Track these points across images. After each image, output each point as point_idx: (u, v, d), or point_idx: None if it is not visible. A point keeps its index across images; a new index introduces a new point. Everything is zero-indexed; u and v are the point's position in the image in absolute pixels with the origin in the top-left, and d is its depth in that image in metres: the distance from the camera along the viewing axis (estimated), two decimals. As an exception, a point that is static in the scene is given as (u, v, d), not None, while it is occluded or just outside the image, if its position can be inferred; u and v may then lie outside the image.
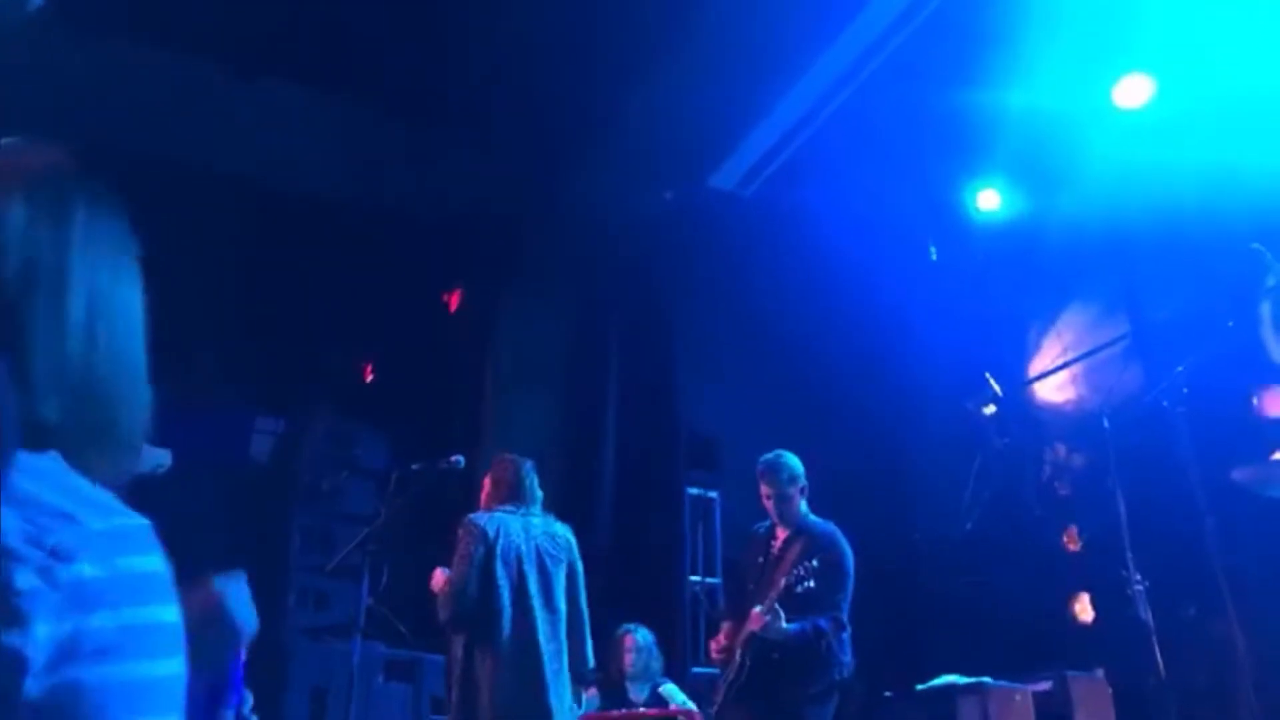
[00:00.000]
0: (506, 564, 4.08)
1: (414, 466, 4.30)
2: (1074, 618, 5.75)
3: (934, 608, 6.44)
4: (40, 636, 0.71)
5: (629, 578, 6.74)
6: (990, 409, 6.63)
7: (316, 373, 7.51)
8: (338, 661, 4.48)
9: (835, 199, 6.52)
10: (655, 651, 5.61)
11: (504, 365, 7.59)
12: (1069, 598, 5.81)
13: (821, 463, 6.52)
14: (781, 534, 4.36)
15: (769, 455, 4.43)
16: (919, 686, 4.80)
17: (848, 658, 4.09)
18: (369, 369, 8.14)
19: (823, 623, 3.99)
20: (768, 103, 6.18)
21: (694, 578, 6.74)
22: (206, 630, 1.17)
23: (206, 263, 6.48)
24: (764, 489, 4.36)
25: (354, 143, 6.92)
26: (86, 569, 0.74)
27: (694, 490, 6.93)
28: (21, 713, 0.70)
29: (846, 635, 4.10)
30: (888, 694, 4.99)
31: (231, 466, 6.08)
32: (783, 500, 4.30)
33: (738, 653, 4.10)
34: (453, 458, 4.35)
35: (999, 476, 6.47)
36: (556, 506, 7.41)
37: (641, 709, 5.29)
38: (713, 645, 4.41)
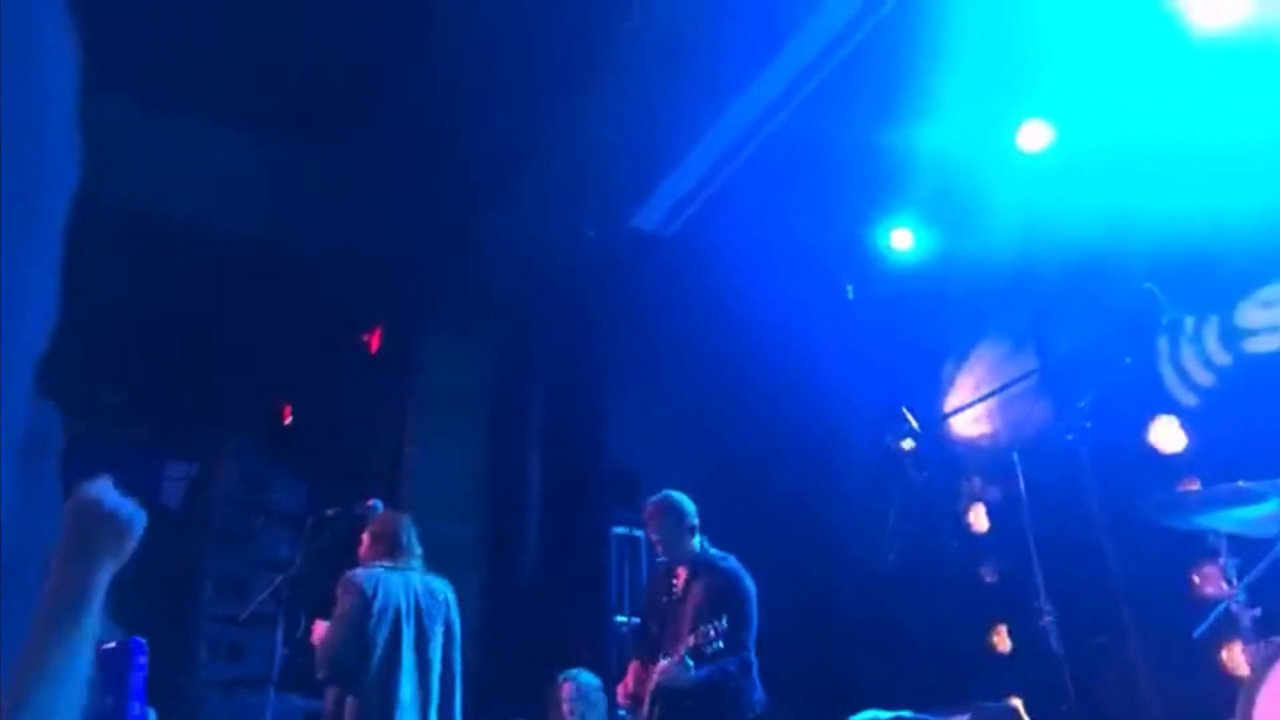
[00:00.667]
0: (383, 620, 4.16)
1: (329, 512, 4.23)
2: (992, 648, 5.86)
3: (856, 640, 6.50)
4: None
5: (555, 617, 6.69)
6: (908, 443, 6.75)
7: (232, 414, 7.35)
8: (252, 715, 4.34)
9: (755, 237, 6.62)
10: (596, 697, 5.48)
11: (426, 406, 7.52)
12: (987, 629, 5.92)
13: (744, 497, 6.59)
14: (682, 572, 4.33)
15: (654, 498, 4.40)
16: (841, 721, 4.83)
17: (758, 694, 4.08)
18: (287, 411, 7.99)
19: (730, 665, 3.96)
20: (686, 144, 6.29)
21: (620, 617, 6.71)
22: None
23: (117, 301, 6.32)
24: (651, 534, 4.36)
25: (272, 179, 6.84)
26: None
27: (620, 529, 6.92)
28: None
29: (754, 672, 4.09)
30: (811, 729, 5.01)
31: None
32: (670, 543, 4.27)
33: (646, 702, 4.07)
34: (370, 502, 4.30)
35: (918, 510, 6.59)
36: (481, 547, 7.37)
37: None
38: (620, 690, 4.34)
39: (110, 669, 1.25)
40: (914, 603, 6.05)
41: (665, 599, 4.34)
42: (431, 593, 4.36)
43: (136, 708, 1.30)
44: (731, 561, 4.25)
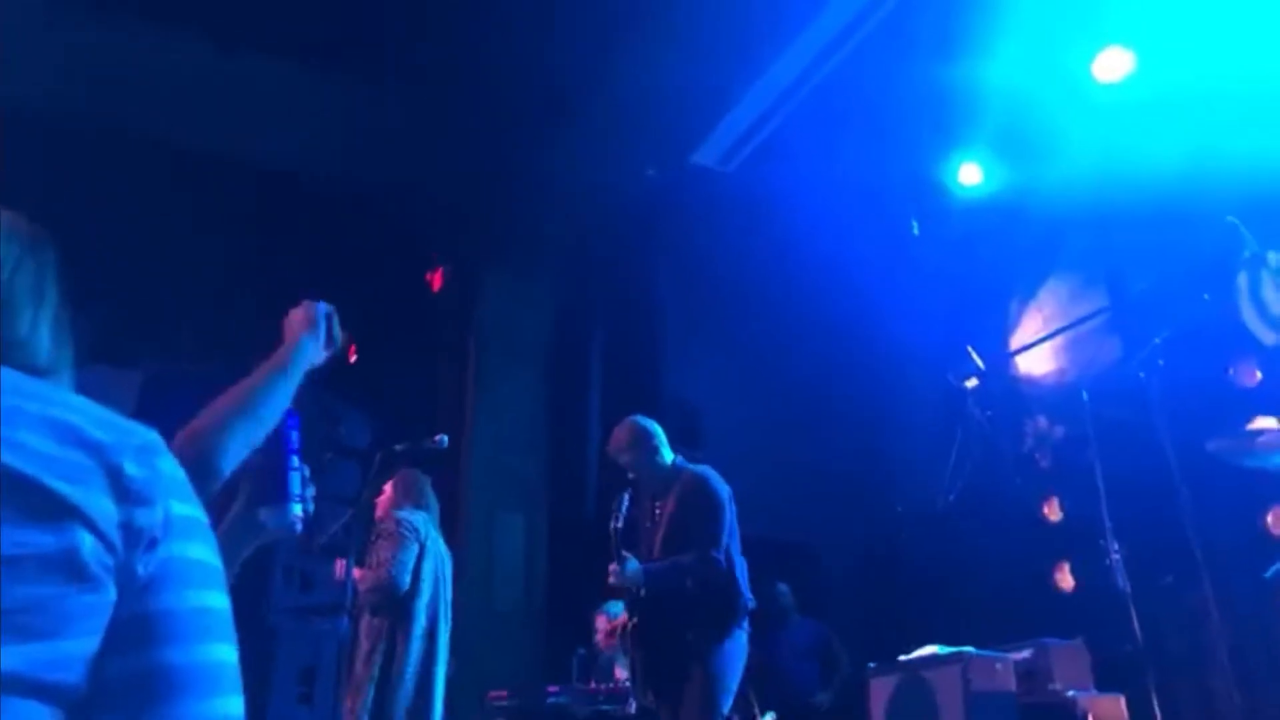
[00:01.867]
0: (428, 562, 4.35)
1: (397, 447, 4.31)
2: (1055, 587, 5.82)
3: (917, 580, 6.51)
4: (159, 516, 0.82)
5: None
6: (972, 382, 6.68)
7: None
8: (325, 641, 4.50)
9: (817, 175, 6.52)
10: None
11: (488, 344, 7.59)
12: (1050, 567, 5.88)
13: (805, 436, 6.59)
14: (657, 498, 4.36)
15: (613, 431, 4.39)
16: (902, 658, 4.86)
17: (741, 596, 4.04)
18: (353, 349, 8.12)
19: (685, 561, 3.95)
20: (748, 79, 6.17)
21: (679, 553, 6.77)
22: None
23: (187, 240, 6.45)
24: (620, 460, 4.34)
25: (335, 120, 6.88)
26: (163, 464, 0.86)
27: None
28: (135, 585, 0.80)
29: (729, 571, 4.00)
30: (871, 665, 5.05)
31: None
32: (642, 468, 4.26)
33: (625, 614, 4.16)
34: (436, 437, 4.36)
35: (981, 449, 6.53)
36: (543, 484, 7.48)
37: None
38: (600, 632, 4.42)
39: (268, 477, 1.50)
40: (976, 541, 6.03)
41: (649, 524, 4.36)
42: (446, 552, 4.55)
43: (294, 459, 1.55)
44: (704, 469, 4.22)
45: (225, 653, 0.83)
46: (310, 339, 1.69)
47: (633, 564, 3.95)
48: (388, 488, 4.55)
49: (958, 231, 6.58)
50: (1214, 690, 4.62)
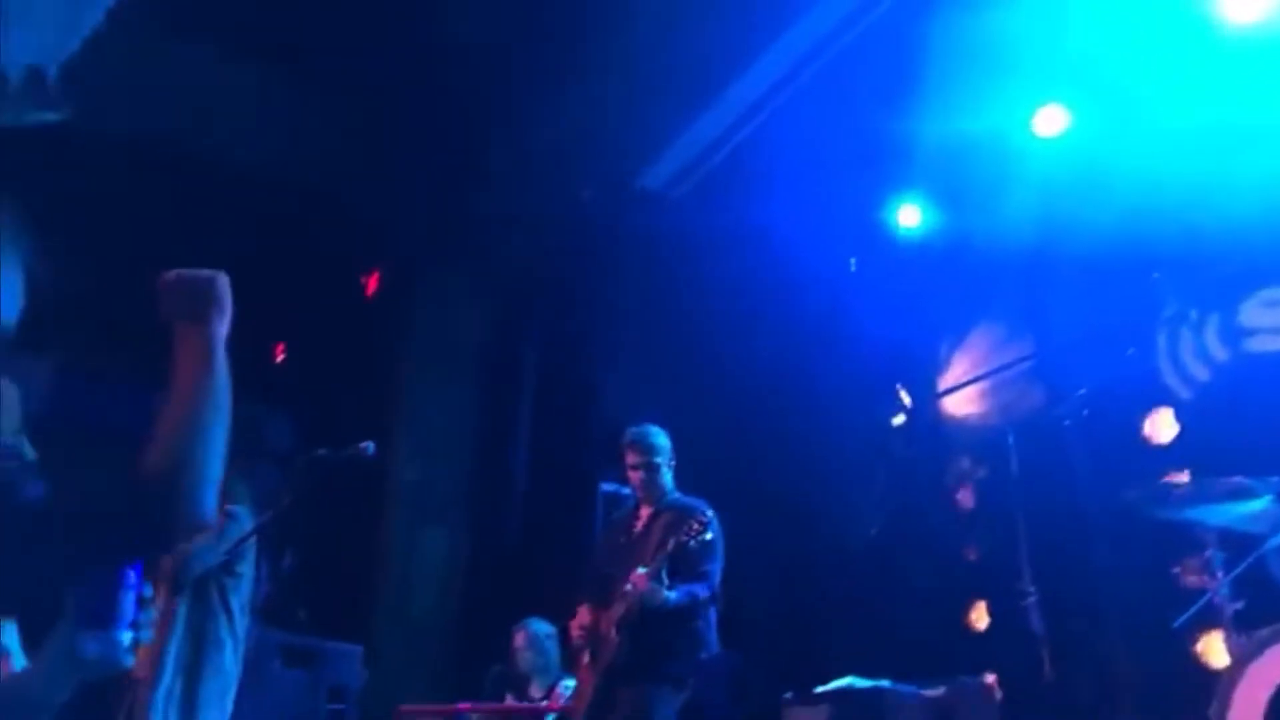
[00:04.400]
0: None
1: (320, 451, 4.21)
2: (970, 625, 5.92)
3: (835, 611, 6.56)
4: None
5: (536, 569, 6.72)
6: (899, 419, 6.77)
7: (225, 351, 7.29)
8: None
9: (760, 205, 6.59)
10: (549, 644, 5.55)
11: (420, 352, 7.50)
12: (966, 604, 5.98)
13: (731, 464, 6.60)
14: (645, 512, 4.32)
15: (638, 427, 4.39)
16: (818, 689, 4.88)
17: (713, 637, 4.07)
18: (280, 349, 7.95)
19: (700, 590, 3.95)
20: (699, 105, 6.23)
21: (601, 574, 6.73)
22: None
23: (109, 231, 6.24)
24: (631, 458, 4.31)
25: (275, 114, 6.75)
26: None
27: (608, 486, 6.92)
28: None
29: (714, 614, 4.05)
30: (787, 695, 5.06)
31: (129, 443, 5.85)
32: (650, 470, 4.25)
33: (613, 632, 4.02)
34: (363, 444, 4.27)
35: (904, 486, 6.63)
36: (466, 497, 7.38)
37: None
38: (574, 625, 4.26)
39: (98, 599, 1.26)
40: (895, 577, 6.10)
41: (623, 539, 4.31)
42: None
43: (131, 576, 1.33)
44: (701, 501, 4.20)
45: None
46: (220, 325, 1.40)
47: (664, 586, 3.84)
48: None
49: (895, 271, 6.69)
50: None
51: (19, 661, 1.57)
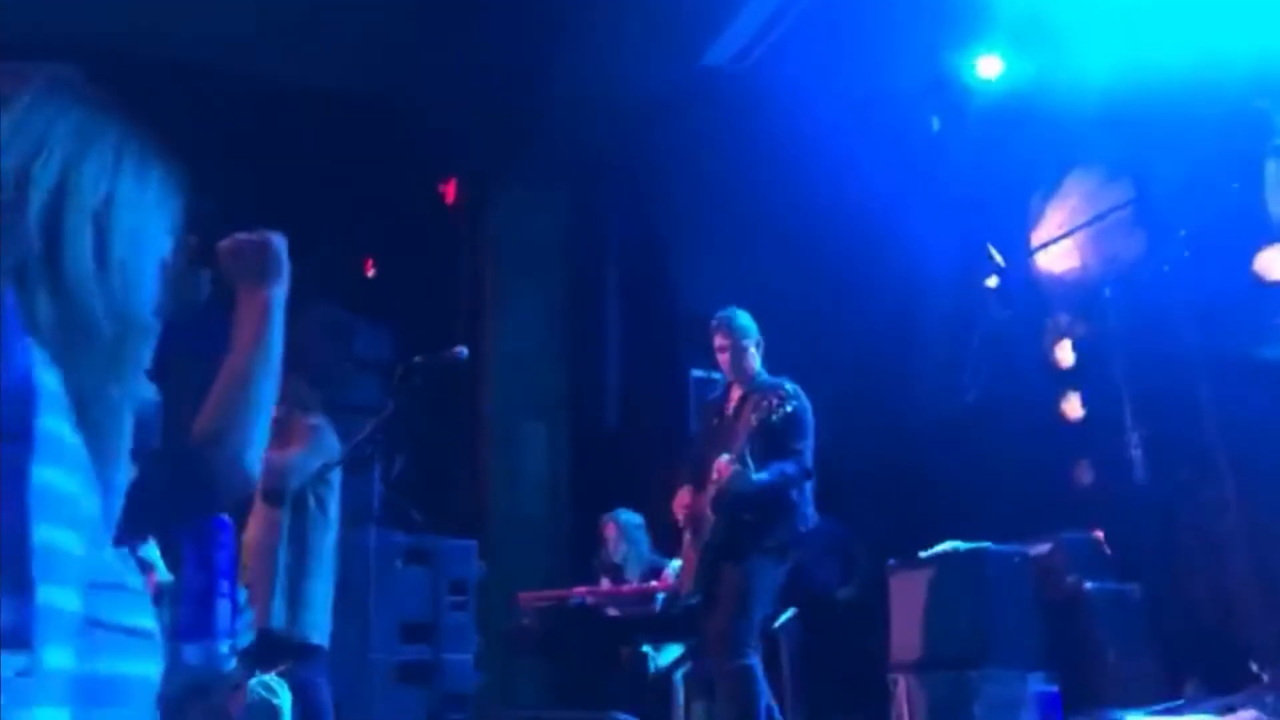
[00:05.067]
0: None
1: (416, 359, 4.32)
2: (1074, 483, 5.84)
3: (938, 477, 6.54)
4: None
5: (635, 462, 6.86)
6: (993, 281, 6.60)
7: (315, 265, 7.48)
8: (354, 550, 4.59)
9: (832, 72, 6.35)
10: (638, 534, 5.69)
11: (503, 254, 7.57)
12: (1069, 464, 5.89)
13: (823, 340, 6.56)
14: (735, 395, 4.35)
15: (724, 311, 4.39)
16: (921, 554, 4.93)
17: (810, 510, 4.14)
18: (370, 263, 8.11)
19: (789, 468, 4.00)
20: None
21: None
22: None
23: (187, 159, 6.37)
24: (718, 341, 4.33)
25: (348, 29, 6.73)
26: None
27: (698, 372, 6.96)
28: None
29: (810, 486, 4.12)
30: (891, 561, 5.12)
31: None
32: (738, 352, 4.27)
33: (709, 512, 4.10)
34: (455, 349, 4.36)
35: (1001, 348, 6.49)
36: (561, 394, 7.53)
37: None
38: (676, 506, 4.35)
39: (198, 550, 1.29)
40: (996, 440, 6.03)
41: (716, 421, 4.37)
42: None
43: (225, 585, 1.35)
44: (788, 382, 4.21)
45: None
46: (279, 288, 1.39)
47: (751, 470, 3.91)
48: None
49: (978, 127, 6.42)
50: (1229, 586, 4.66)
51: (162, 574, 1.67)
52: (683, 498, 4.33)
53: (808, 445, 4.12)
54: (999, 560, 4.63)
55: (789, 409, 3.94)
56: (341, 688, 4.38)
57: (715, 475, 3.99)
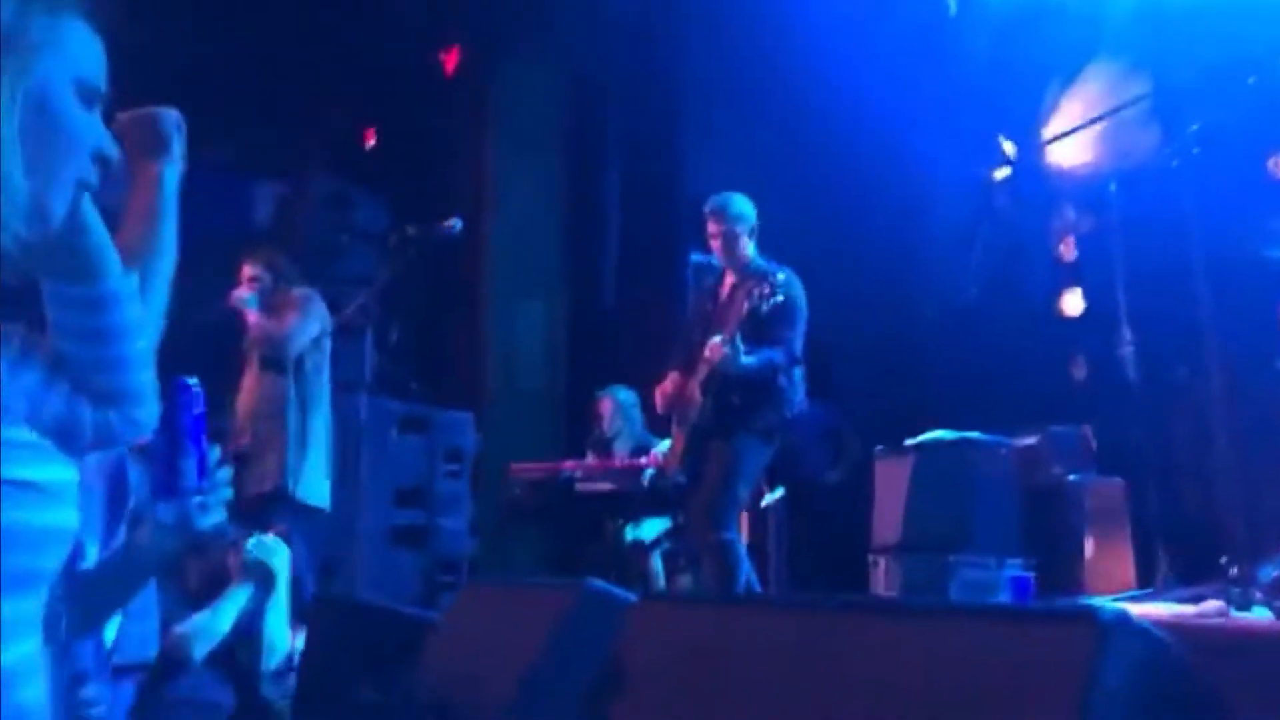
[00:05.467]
0: None
1: (409, 229, 4.30)
2: (1069, 378, 5.85)
3: (935, 367, 6.55)
4: None
5: (631, 339, 6.88)
6: (1002, 172, 6.49)
7: (316, 137, 7.35)
8: (347, 417, 4.65)
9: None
10: (633, 412, 5.75)
11: (504, 129, 7.43)
12: (1065, 359, 5.89)
13: (825, 227, 6.49)
14: (729, 280, 4.33)
15: (718, 195, 4.33)
16: (908, 441, 4.98)
17: (799, 396, 4.17)
18: (369, 133, 7.96)
19: (777, 356, 4.01)
20: None
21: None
22: None
23: (195, 28, 6.20)
24: (711, 227, 4.28)
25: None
26: None
27: (697, 256, 6.90)
28: None
29: (799, 373, 4.15)
30: (879, 447, 5.19)
31: (231, 232, 6.04)
32: (729, 238, 4.23)
33: (697, 393, 4.15)
34: (449, 221, 4.33)
35: (1007, 243, 6.42)
36: (559, 272, 7.50)
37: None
38: (658, 394, 4.39)
39: (162, 412, 1.27)
40: (994, 334, 6.02)
41: (710, 306, 4.36)
42: None
43: (190, 446, 1.36)
44: (781, 270, 4.17)
45: None
46: (169, 166, 1.37)
47: (741, 353, 3.93)
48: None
49: (996, 12, 6.20)
50: (1214, 480, 4.72)
51: None
52: (665, 385, 4.36)
53: (797, 334, 4.11)
54: (984, 450, 4.69)
55: (779, 298, 3.92)
56: (333, 549, 4.51)
57: (706, 353, 4.01)
